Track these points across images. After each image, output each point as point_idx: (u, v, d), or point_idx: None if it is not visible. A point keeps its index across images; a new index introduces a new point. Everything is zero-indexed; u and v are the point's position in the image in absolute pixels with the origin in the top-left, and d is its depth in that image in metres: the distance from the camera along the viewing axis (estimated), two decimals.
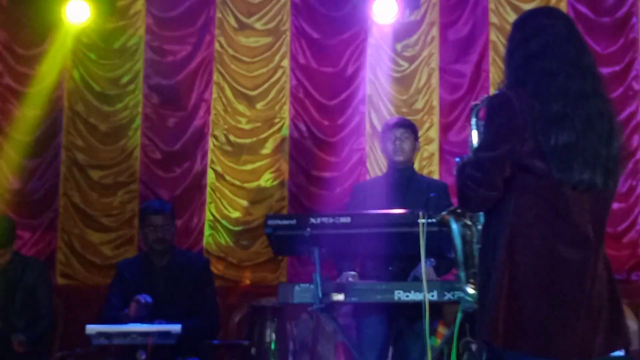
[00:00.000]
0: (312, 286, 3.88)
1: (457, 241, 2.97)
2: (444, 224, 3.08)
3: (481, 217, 2.92)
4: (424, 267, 3.84)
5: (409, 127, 4.52)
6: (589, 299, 2.57)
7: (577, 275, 2.56)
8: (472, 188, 2.61)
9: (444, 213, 3.03)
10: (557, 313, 2.54)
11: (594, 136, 2.64)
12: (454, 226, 2.98)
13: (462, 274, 2.97)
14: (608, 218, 2.72)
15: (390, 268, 4.25)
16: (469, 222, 2.97)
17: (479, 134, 2.91)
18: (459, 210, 3.07)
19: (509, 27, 6.58)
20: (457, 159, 2.81)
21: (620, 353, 4.60)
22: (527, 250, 2.56)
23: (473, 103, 3.04)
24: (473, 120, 2.99)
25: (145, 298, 4.59)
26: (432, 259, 4.05)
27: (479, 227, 2.98)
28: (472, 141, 2.96)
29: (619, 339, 2.67)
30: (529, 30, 2.72)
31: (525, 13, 2.89)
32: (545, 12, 2.85)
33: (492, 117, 2.65)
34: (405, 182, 4.46)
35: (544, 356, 2.54)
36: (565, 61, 2.66)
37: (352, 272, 4.25)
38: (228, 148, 6.79)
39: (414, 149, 4.54)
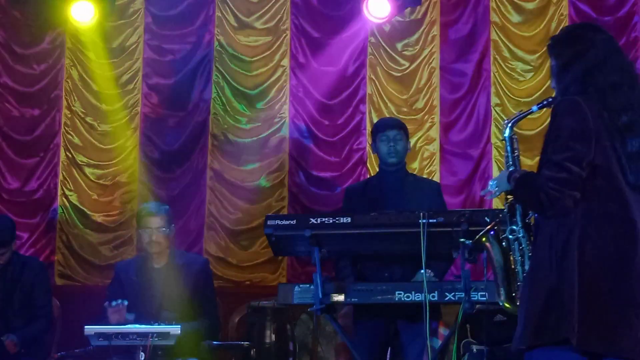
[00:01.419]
0: (312, 286, 3.87)
1: (498, 259, 2.98)
2: (479, 248, 3.08)
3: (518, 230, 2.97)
4: (425, 267, 3.83)
5: (401, 129, 4.49)
6: None
7: None
8: (558, 189, 2.66)
9: (491, 233, 3.04)
10: (625, 313, 2.65)
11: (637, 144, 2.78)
12: (495, 246, 3.00)
13: (503, 290, 2.97)
14: None
15: (386, 274, 4.23)
16: (510, 236, 2.98)
17: (513, 149, 3.06)
18: (497, 227, 3.07)
19: (510, 26, 6.68)
20: (510, 179, 2.89)
21: None
22: (598, 252, 2.66)
23: (509, 121, 3.12)
24: (507, 133, 3.08)
25: (117, 303, 4.53)
26: (430, 271, 4.02)
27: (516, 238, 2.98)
28: (509, 156, 3.06)
29: None
30: (582, 44, 2.84)
31: (569, 28, 3.10)
32: (592, 27, 2.98)
33: (563, 118, 2.74)
34: (399, 182, 4.43)
35: (612, 355, 2.65)
36: (623, 72, 2.81)
37: None
38: (228, 148, 6.77)
39: (407, 149, 4.52)
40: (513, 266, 2.95)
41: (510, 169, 3.00)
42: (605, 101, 2.74)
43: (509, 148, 3.06)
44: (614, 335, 2.63)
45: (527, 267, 2.89)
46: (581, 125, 2.70)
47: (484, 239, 3.04)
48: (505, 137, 3.08)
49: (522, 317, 2.73)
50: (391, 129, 4.45)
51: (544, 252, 2.73)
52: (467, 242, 3.16)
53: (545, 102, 3.05)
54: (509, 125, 3.10)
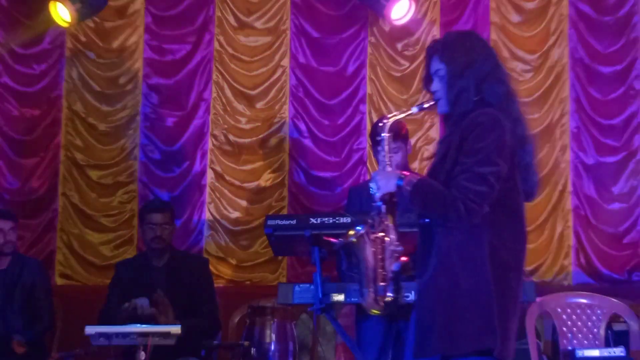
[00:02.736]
0: (312, 286, 3.87)
1: (370, 260, 2.92)
2: (352, 244, 3.01)
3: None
4: None
5: (399, 139, 4.42)
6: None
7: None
8: (477, 202, 2.70)
9: (359, 231, 2.96)
10: (516, 323, 2.81)
11: (535, 154, 2.98)
12: (367, 247, 2.94)
13: (372, 292, 2.91)
14: None
15: None
16: (380, 236, 2.92)
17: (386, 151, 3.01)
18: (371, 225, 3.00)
19: (510, 26, 6.69)
20: (400, 182, 2.85)
21: (621, 353, 4.60)
22: (505, 262, 2.76)
23: (386, 122, 3.07)
24: (386, 132, 3.03)
25: (142, 306, 4.55)
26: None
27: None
28: (385, 155, 3.00)
29: None
30: (476, 52, 2.89)
31: (460, 34, 3.08)
32: (477, 35, 3.06)
33: (488, 132, 2.76)
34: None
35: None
36: (508, 83, 2.93)
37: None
38: (228, 148, 6.78)
39: (407, 154, 4.49)
40: (381, 268, 2.90)
41: (398, 172, 2.95)
42: (508, 113, 2.83)
43: (386, 148, 3.02)
44: (513, 343, 2.76)
45: (394, 269, 2.88)
46: (502, 140, 2.76)
47: (354, 240, 2.98)
48: (382, 136, 3.04)
49: (433, 324, 2.72)
50: (389, 141, 4.33)
51: (450, 261, 2.75)
52: (337, 240, 3.09)
53: (425, 105, 3.03)
54: (388, 124, 3.05)
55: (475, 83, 2.84)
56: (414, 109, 3.07)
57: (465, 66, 2.86)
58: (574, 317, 4.96)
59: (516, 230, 2.83)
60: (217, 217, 6.68)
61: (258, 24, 6.87)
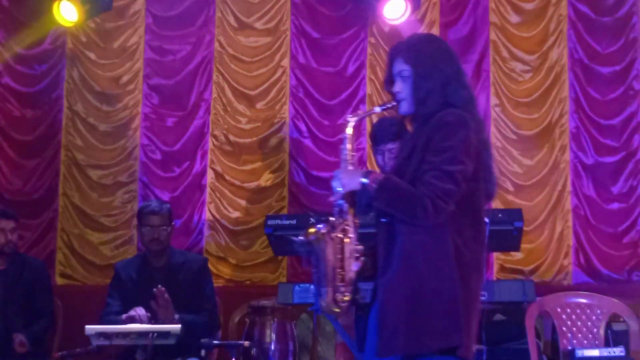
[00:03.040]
0: (312, 286, 3.87)
1: (330, 258, 2.91)
2: (314, 242, 3.00)
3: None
4: None
5: (397, 140, 4.41)
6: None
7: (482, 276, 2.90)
8: (445, 199, 2.71)
9: (319, 230, 2.95)
10: (477, 322, 2.83)
11: (491, 156, 2.96)
12: (329, 246, 2.92)
13: (330, 291, 2.90)
14: None
15: None
16: (340, 235, 2.90)
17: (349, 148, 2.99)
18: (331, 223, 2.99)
19: (509, 27, 6.70)
20: (365, 180, 2.83)
21: (620, 353, 4.60)
22: (469, 262, 2.76)
23: (353, 118, 3.05)
24: (350, 130, 3.01)
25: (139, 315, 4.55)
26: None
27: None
28: (349, 154, 2.98)
29: None
30: (442, 55, 2.92)
31: (426, 37, 3.12)
32: (439, 38, 3.14)
33: (455, 131, 2.77)
34: None
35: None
36: (470, 87, 2.95)
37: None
38: (228, 148, 6.79)
39: None
40: (340, 268, 2.88)
41: (362, 170, 2.92)
42: (472, 115, 2.84)
43: (349, 146, 3.00)
44: (473, 342, 2.78)
45: (354, 268, 2.87)
46: (470, 140, 2.77)
47: (315, 238, 2.96)
48: (346, 135, 3.01)
49: (398, 323, 2.71)
50: (385, 143, 4.24)
51: (414, 260, 2.74)
52: (297, 238, 3.08)
53: (389, 105, 3.01)
54: (353, 123, 3.03)
55: (441, 85, 2.86)
56: (377, 109, 3.07)
57: (431, 68, 2.88)
58: (573, 316, 4.96)
59: (477, 231, 2.82)
60: (217, 217, 6.69)
61: (258, 25, 6.88)
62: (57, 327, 5.46)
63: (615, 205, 6.46)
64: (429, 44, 2.97)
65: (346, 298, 2.87)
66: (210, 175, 6.76)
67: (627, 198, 6.45)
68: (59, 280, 6.64)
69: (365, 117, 3.13)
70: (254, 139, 6.77)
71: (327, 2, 6.84)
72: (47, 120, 6.83)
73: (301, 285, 3.98)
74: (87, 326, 4.25)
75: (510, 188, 6.53)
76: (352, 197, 2.91)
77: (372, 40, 6.76)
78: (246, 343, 4.70)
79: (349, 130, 2.99)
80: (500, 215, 3.91)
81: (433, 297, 2.70)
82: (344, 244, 2.90)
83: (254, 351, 4.74)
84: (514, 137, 6.58)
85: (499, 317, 5.43)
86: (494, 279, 6.29)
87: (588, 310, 4.94)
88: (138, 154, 6.78)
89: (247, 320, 4.85)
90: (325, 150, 6.71)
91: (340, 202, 2.92)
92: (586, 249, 6.43)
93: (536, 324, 4.92)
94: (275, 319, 4.75)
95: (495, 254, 6.39)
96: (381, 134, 4.49)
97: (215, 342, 4.92)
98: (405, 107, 2.95)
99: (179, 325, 4.29)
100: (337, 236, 2.90)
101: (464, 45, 6.73)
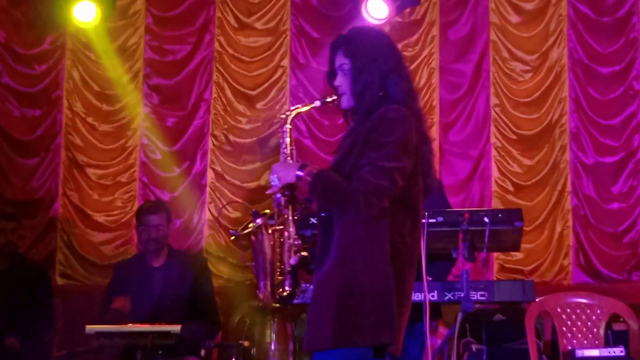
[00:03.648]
0: (312, 286, 3.87)
1: (268, 252, 2.91)
2: (254, 234, 3.00)
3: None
4: (425, 267, 3.84)
5: None
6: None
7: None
8: (378, 195, 2.67)
9: (256, 223, 2.95)
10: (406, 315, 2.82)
11: (432, 150, 2.92)
12: (265, 239, 2.92)
13: (268, 284, 2.90)
14: None
15: None
16: (278, 229, 2.91)
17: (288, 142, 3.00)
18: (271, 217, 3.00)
19: (509, 27, 6.69)
20: (300, 173, 2.84)
21: (620, 353, 4.60)
22: (403, 259, 2.74)
23: (288, 114, 3.06)
24: (288, 125, 3.01)
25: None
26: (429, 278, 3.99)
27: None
28: (287, 147, 2.99)
29: None
30: (380, 48, 2.88)
31: (364, 30, 3.05)
32: (381, 31, 3.07)
33: (394, 127, 2.74)
34: None
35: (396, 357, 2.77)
36: (411, 80, 2.92)
37: None
38: (228, 148, 6.79)
39: None
40: (279, 262, 2.88)
41: (298, 163, 2.92)
42: (412, 110, 2.81)
43: (287, 140, 3.00)
44: (402, 338, 2.77)
45: (292, 262, 2.87)
46: (408, 136, 2.74)
47: (253, 231, 2.96)
48: (285, 128, 3.01)
49: (330, 317, 2.69)
50: None
51: (350, 255, 2.72)
52: (233, 231, 3.08)
53: (329, 99, 2.99)
54: (291, 117, 3.03)
55: (380, 78, 2.83)
56: (317, 103, 3.03)
57: (369, 61, 2.84)
58: (573, 316, 4.96)
59: (414, 228, 2.80)
60: (218, 217, 6.69)
61: (258, 25, 6.88)
62: (57, 327, 5.46)
63: (615, 205, 6.46)
64: (368, 36, 2.93)
65: (284, 292, 2.87)
66: (210, 175, 6.76)
67: (627, 198, 6.46)
68: (59, 280, 6.64)
69: (303, 111, 3.08)
70: (254, 139, 6.77)
71: (327, 2, 6.84)
72: (47, 120, 6.83)
73: (301, 285, 3.97)
74: (87, 326, 4.25)
75: (510, 188, 6.53)
76: (292, 190, 2.91)
77: None
78: (246, 343, 4.71)
79: (288, 126, 3.00)
80: (500, 215, 3.90)
81: (366, 293, 2.67)
82: (283, 238, 2.89)
83: (253, 351, 4.74)
84: (514, 137, 6.58)
85: (499, 317, 5.44)
86: (494, 279, 6.29)
87: (588, 310, 4.94)
88: (138, 154, 6.78)
89: (247, 320, 4.85)
90: (325, 150, 6.71)
91: (278, 195, 2.92)
92: (586, 249, 6.43)
93: (536, 324, 4.92)
94: (275, 319, 4.75)
95: (495, 254, 6.39)
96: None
97: (215, 342, 4.93)
98: (345, 101, 2.92)
99: (179, 326, 4.29)
100: (275, 229, 2.89)
101: (464, 45, 6.74)
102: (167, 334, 4.25)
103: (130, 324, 4.40)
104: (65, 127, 6.84)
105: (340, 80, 2.91)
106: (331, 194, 2.76)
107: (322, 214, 2.85)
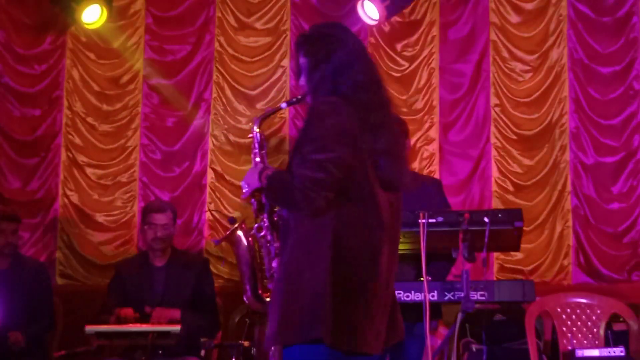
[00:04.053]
0: None
1: (245, 255, 2.91)
2: (230, 240, 3.00)
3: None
4: (425, 267, 3.84)
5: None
6: (385, 299, 2.78)
7: (385, 276, 2.75)
8: (314, 189, 2.64)
9: (234, 227, 2.96)
10: (370, 310, 2.70)
11: (398, 141, 2.86)
12: (242, 243, 2.93)
13: (250, 288, 2.90)
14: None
15: None
16: (257, 234, 2.92)
17: (261, 145, 3.02)
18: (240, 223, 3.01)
19: (509, 27, 6.70)
20: (261, 177, 2.81)
21: (620, 353, 4.60)
22: (349, 254, 2.68)
23: (258, 118, 3.08)
24: (256, 129, 3.03)
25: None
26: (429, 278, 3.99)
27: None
28: (257, 152, 3.00)
29: (398, 332, 2.88)
30: (333, 43, 2.85)
31: (320, 26, 3.01)
32: (340, 26, 2.99)
33: (323, 119, 2.71)
34: None
35: (357, 352, 2.68)
36: (370, 73, 2.85)
37: None
38: (228, 148, 6.79)
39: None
40: (260, 263, 2.86)
41: (260, 166, 2.93)
42: (358, 101, 2.75)
43: (257, 145, 3.01)
44: (361, 332, 2.67)
45: (274, 265, 2.87)
46: (342, 127, 2.70)
47: (228, 237, 2.96)
48: (253, 133, 3.02)
49: (276, 315, 2.69)
50: None
51: (297, 252, 2.71)
52: (215, 240, 3.10)
53: (294, 100, 3.00)
54: (258, 121, 3.04)
55: (332, 74, 2.80)
56: (283, 105, 3.05)
57: (322, 58, 2.82)
58: (573, 316, 4.97)
59: (368, 219, 2.72)
60: (217, 217, 6.69)
61: (258, 25, 6.88)
62: (57, 326, 5.46)
63: (615, 205, 6.46)
64: (324, 33, 2.91)
65: (268, 295, 2.87)
66: (210, 175, 6.76)
67: (627, 198, 6.46)
68: (59, 280, 6.63)
69: (271, 115, 3.07)
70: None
71: (327, 2, 6.84)
72: (47, 120, 6.83)
73: None
74: (87, 326, 4.25)
75: (510, 188, 6.53)
76: (260, 194, 2.92)
77: (372, 40, 6.76)
78: (246, 343, 4.71)
79: (256, 129, 3.01)
80: (500, 215, 3.90)
81: (305, 289, 2.65)
82: (261, 242, 2.89)
83: (254, 351, 4.74)
84: (514, 137, 6.58)
85: (499, 317, 5.44)
86: (494, 279, 6.29)
87: (588, 310, 4.95)
88: (138, 154, 6.78)
89: (247, 320, 4.85)
90: None
91: (252, 200, 2.93)
92: (586, 249, 6.43)
93: (536, 324, 4.92)
94: None
95: (495, 254, 6.39)
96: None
97: (215, 342, 4.93)
98: (309, 100, 2.91)
99: (179, 326, 4.30)
100: (253, 234, 2.89)
101: (464, 45, 6.74)
102: (167, 334, 4.26)
103: (130, 324, 4.41)
104: (65, 127, 6.83)
105: (302, 80, 2.90)
106: (279, 194, 2.77)
107: (283, 213, 2.85)
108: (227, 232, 2.96)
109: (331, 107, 2.72)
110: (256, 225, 2.94)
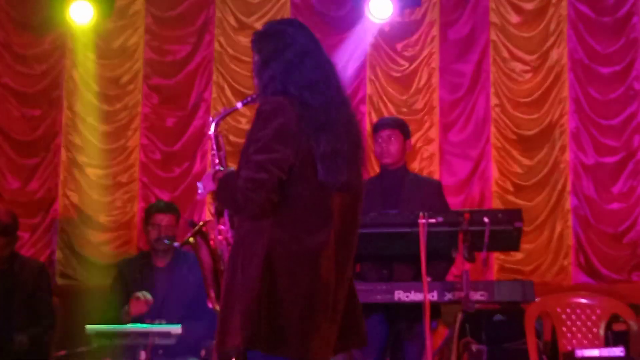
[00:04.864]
0: None
1: (207, 260, 2.90)
2: (190, 245, 2.99)
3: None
4: (425, 267, 3.84)
5: (396, 128, 4.46)
6: (334, 304, 2.69)
7: (329, 280, 2.66)
8: (255, 190, 2.60)
9: (189, 236, 2.95)
10: (313, 318, 2.62)
11: (351, 141, 2.75)
12: (203, 247, 2.92)
13: (213, 293, 2.89)
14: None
15: (384, 271, 4.24)
16: (219, 237, 2.90)
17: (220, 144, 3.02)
18: (204, 230, 3.00)
19: (509, 27, 6.70)
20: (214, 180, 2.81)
21: (620, 353, 4.60)
22: (286, 258, 2.61)
23: (214, 119, 3.07)
24: (212, 130, 3.03)
25: (144, 295, 4.59)
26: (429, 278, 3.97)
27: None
28: (215, 154, 3.01)
29: (357, 338, 2.82)
30: (282, 40, 2.78)
31: (272, 23, 2.96)
32: (293, 23, 2.93)
33: (266, 121, 2.67)
34: (398, 182, 4.43)
35: (305, 358, 2.62)
36: (321, 70, 2.77)
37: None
38: (228, 148, 6.75)
39: (404, 148, 4.48)
40: (222, 268, 2.84)
41: (216, 169, 2.92)
42: (304, 101, 2.68)
43: (214, 146, 3.01)
44: (304, 340, 2.60)
45: None
46: (285, 127, 2.64)
47: (191, 239, 2.95)
48: (211, 135, 3.01)
49: (219, 320, 2.67)
50: (383, 129, 4.44)
51: (234, 253, 2.69)
52: (175, 243, 3.10)
53: (249, 99, 2.97)
54: (215, 123, 3.02)
55: (282, 72, 2.74)
56: (239, 105, 3.02)
57: (271, 56, 2.77)
58: (573, 317, 4.97)
59: (310, 221, 2.65)
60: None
61: (258, 25, 6.86)
62: (57, 327, 5.46)
63: (615, 206, 6.46)
64: (276, 30, 2.85)
65: None
66: None
67: (626, 198, 6.45)
68: (59, 280, 6.63)
69: (227, 115, 3.04)
70: None
71: (327, 2, 6.84)
72: (47, 120, 6.83)
73: None
74: (87, 326, 4.25)
75: (510, 188, 6.53)
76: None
77: (372, 40, 6.76)
78: None
79: (212, 130, 3.01)
80: (500, 215, 3.91)
81: (238, 293, 2.61)
82: (222, 246, 2.87)
83: None
84: (514, 137, 6.58)
85: (499, 317, 5.44)
86: (494, 279, 6.29)
87: (588, 310, 4.94)
88: (138, 154, 6.78)
89: None
90: None
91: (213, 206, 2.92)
92: (586, 249, 6.43)
93: (536, 324, 4.92)
94: None
95: (495, 254, 6.39)
96: (379, 122, 4.68)
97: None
98: (258, 99, 2.87)
99: (179, 326, 4.29)
100: (213, 238, 2.89)
101: (464, 45, 6.74)
102: (167, 334, 4.25)
103: (130, 324, 4.41)
104: (65, 127, 6.84)
105: (255, 79, 2.87)
106: (225, 196, 2.75)
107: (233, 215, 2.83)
108: (188, 236, 2.94)
109: (275, 108, 2.67)
110: (217, 228, 2.91)
